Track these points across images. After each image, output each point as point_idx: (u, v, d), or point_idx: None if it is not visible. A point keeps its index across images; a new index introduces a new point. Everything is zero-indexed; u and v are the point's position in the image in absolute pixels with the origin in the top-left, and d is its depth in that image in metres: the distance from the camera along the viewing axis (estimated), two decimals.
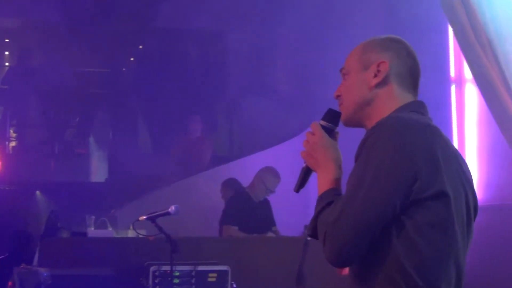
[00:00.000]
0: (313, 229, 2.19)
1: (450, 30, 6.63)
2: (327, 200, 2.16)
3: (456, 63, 6.96)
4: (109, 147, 9.86)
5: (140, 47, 9.91)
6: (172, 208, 5.23)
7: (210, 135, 9.50)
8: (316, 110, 8.83)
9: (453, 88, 6.91)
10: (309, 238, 2.22)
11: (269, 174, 7.18)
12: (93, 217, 6.80)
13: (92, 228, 6.69)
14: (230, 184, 7.78)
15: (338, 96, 2.34)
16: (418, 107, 2.23)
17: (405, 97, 2.24)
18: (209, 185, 8.07)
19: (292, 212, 7.72)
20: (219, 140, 9.95)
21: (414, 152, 2.04)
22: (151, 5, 9.40)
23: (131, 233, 6.51)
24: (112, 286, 5.50)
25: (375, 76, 2.25)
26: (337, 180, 2.23)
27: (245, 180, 7.41)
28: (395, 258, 2.05)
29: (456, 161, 2.17)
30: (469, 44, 5.16)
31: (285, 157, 8.17)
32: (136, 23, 9.26)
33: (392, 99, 2.24)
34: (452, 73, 6.97)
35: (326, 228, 2.08)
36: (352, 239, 2.03)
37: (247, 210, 7.04)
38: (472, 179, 2.24)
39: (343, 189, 2.19)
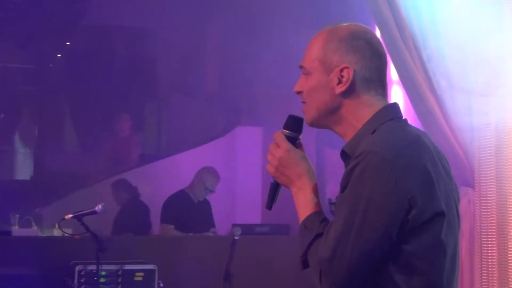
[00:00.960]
0: (304, 262, 2.07)
1: (377, 30, 6.73)
2: (314, 232, 2.05)
3: None
4: (34, 144, 9.68)
5: (68, 43, 9.77)
6: (99, 207, 5.18)
7: (138, 133, 9.44)
8: (244, 109, 8.89)
9: None
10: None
11: (208, 174, 7.18)
12: (18, 215, 6.69)
13: (17, 227, 6.58)
14: (120, 186, 7.77)
15: (299, 92, 2.17)
16: (393, 112, 2.12)
17: (376, 103, 2.11)
18: (136, 184, 8.01)
19: (220, 211, 7.73)
20: (147, 138, 9.89)
21: (405, 179, 1.94)
22: (79, 1, 9.28)
23: (56, 232, 6.43)
24: (37, 286, 5.41)
25: (339, 82, 2.09)
26: (317, 202, 2.11)
27: (174, 178, 7.39)
28: (396, 285, 1.97)
29: (442, 165, 2.08)
30: (394, 44, 5.24)
31: (213, 156, 8.20)
32: (63, 20, 9.13)
33: (362, 108, 2.10)
34: None
35: (321, 266, 1.98)
36: (350, 275, 1.95)
37: (185, 210, 7.01)
38: (451, 174, 2.14)
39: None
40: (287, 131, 2.18)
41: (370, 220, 1.93)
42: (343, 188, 2.01)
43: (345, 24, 2.16)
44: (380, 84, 2.13)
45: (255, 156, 8.63)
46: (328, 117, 2.13)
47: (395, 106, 2.14)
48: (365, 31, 2.14)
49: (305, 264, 2.08)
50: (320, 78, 2.11)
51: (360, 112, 2.10)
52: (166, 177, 7.74)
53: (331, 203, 2.08)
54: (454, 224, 2.08)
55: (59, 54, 9.89)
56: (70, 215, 5.20)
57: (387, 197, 1.93)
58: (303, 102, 2.17)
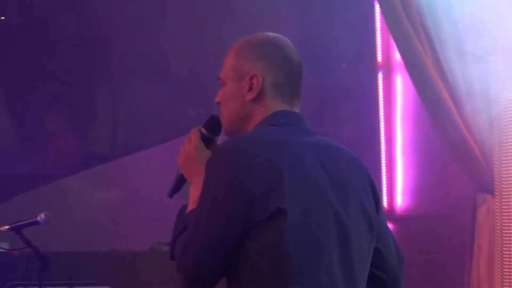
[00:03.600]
0: (172, 253, 2.57)
1: (377, 6, 6.78)
2: (185, 225, 2.52)
3: (383, 46, 7.10)
4: None
5: (2, 18, 9.73)
6: (41, 216, 5.17)
7: (85, 127, 9.40)
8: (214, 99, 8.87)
9: (380, 75, 7.04)
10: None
11: None
12: None
13: None
14: None
15: (218, 103, 2.69)
16: (281, 118, 2.57)
17: (277, 107, 2.59)
18: (86, 188, 8.01)
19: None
20: (98, 133, 9.86)
21: (248, 175, 2.38)
22: None
23: None
24: None
25: (250, 90, 2.59)
26: None
27: (134, 182, 7.37)
28: (240, 283, 2.41)
29: (322, 175, 2.48)
30: (399, 24, 5.30)
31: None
32: None
33: (266, 114, 2.58)
34: (379, 57, 7.11)
35: (176, 259, 2.49)
36: (197, 269, 2.41)
37: None
38: (363, 188, 2.57)
39: None
40: (204, 130, 2.69)
41: (215, 215, 2.39)
42: None
43: (260, 33, 2.67)
44: (290, 91, 2.62)
45: None
46: (240, 125, 2.62)
47: (286, 112, 2.59)
48: (278, 39, 2.64)
49: (173, 256, 2.55)
50: (233, 86, 2.63)
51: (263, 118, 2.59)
52: (123, 180, 7.73)
53: None
54: (318, 237, 2.42)
55: None
56: (6, 226, 5.18)
57: (229, 192, 2.38)
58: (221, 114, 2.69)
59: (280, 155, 2.42)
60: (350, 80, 7.30)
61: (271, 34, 2.67)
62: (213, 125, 2.68)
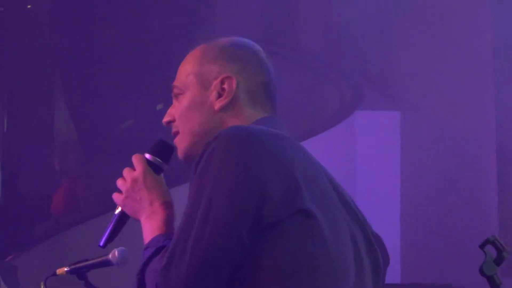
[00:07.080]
0: (139, 282, 2.76)
1: None
2: (155, 247, 2.76)
3: None
4: (1, 141, 9.76)
5: None
6: (115, 254, 5.16)
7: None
8: (369, 85, 8.83)
9: None
10: None
11: None
12: None
13: None
14: None
15: (169, 123, 3.00)
16: (271, 122, 2.88)
17: (257, 116, 2.91)
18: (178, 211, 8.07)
19: None
20: None
21: (260, 167, 2.65)
22: None
23: None
24: None
25: (220, 96, 2.90)
26: (168, 225, 2.85)
27: None
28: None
29: (328, 185, 2.81)
30: None
31: (322, 155, 8.22)
32: None
33: (240, 123, 2.86)
34: None
35: (156, 279, 2.67)
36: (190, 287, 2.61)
37: None
38: (357, 213, 2.92)
39: None
40: (151, 156, 3.00)
41: (214, 214, 2.62)
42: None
43: (226, 37, 3.00)
44: (267, 99, 2.96)
45: (388, 153, 8.69)
46: (204, 142, 2.79)
47: (272, 119, 2.91)
48: (252, 43, 3.00)
49: (140, 284, 2.74)
50: (196, 94, 2.93)
51: None
52: None
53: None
54: (343, 252, 2.74)
55: None
56: (66, 268, 5.22)
57: (235, 188, 2.63)
58: (175, 134, 2.99)
59: (288, 151, 2.72)
60: None
61: (242, 38, 3.01)
62: (161, 151, 2.99)
